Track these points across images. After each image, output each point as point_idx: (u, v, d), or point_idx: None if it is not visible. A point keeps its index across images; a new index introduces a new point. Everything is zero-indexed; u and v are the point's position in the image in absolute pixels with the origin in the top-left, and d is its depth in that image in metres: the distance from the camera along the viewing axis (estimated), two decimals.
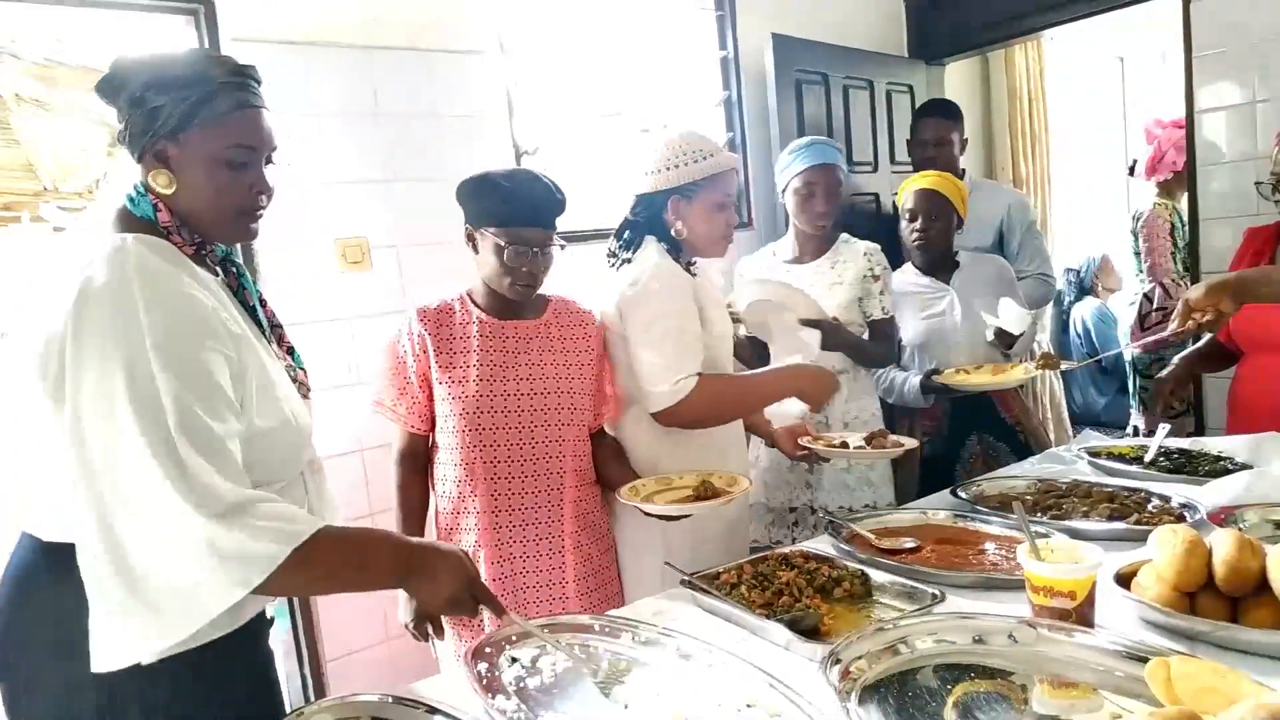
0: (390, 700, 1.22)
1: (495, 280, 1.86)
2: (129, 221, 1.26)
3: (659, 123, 3.44)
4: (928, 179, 2.75)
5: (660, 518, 1.79)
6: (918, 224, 2.74)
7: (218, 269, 1.37)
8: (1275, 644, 1.18)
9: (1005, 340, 2.61)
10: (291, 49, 2.52)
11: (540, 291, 1.94)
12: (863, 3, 4.05)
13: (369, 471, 2.68)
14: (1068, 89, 5.47)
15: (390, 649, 2.67)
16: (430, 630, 1.92)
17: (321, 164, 2.58)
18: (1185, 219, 3.63)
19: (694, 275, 2.01)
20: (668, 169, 1.95)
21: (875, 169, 3.90)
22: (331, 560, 1.20)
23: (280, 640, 2.49)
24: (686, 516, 1.77)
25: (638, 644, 1.37)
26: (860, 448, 2.05)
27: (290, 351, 1.44)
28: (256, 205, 1.31)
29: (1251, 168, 2.98)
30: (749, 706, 1.15)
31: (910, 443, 2.06)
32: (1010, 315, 2.54)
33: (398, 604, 1.94)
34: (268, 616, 1.43)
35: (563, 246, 1.88)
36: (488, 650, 1.34)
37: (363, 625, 2.64)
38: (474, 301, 1.94)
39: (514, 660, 1.33)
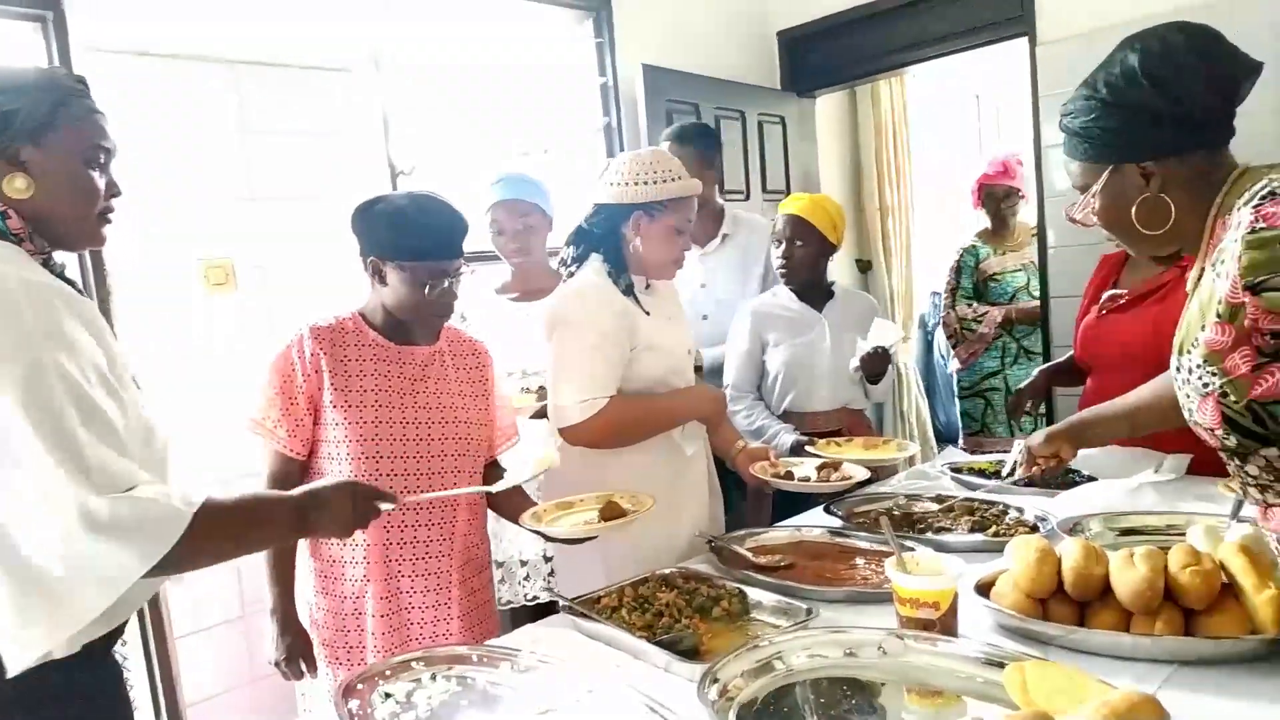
0: None
1: (408, 311, 1.80)
2: None
3: (539, 146, 3.44)
4: (798, 203, 2.73)
5: (564, 542, 1.78)
6: (781, 249, 2.72)
7: None
8: (1117, 645, 1.26)
9: (871, 369, 2.62)
10: (149, 60, 2.40)
11: None
12: (738, 36, 4.18)
13: None
14: (929, 123, 5.77)
15: (254, 692, 2.54)
16: (304, 668, 1.85)
17: (182, 181, 2.47)
18: (981, 258, 3.84)
19: (635, 296, 1.98)
20: (636, 184, 1.93)
21: (747, 197, 4.01)
22: (229, 525, 1.25)
23: (134, 682, 2.33)
24: (592, 539, 1.75)
25: (516, 672, 1.35)
26: (807, 479, 2.04)
27: None
28: (110, 208, 1.34)
29: None
30: None
31: (862, 473, 2.04)
32: (884, 331, 2.56)
33: (262, 642, 1.84)
34: (117, 657, 1.35)
35: (472, 271, 1.85)
36: (359, 687, 1.29)
37: (224, 667, 2.50)
38: (369, 323, 1.88)
39: (387, 696, 1.28)
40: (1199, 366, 1.15)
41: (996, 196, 3.86)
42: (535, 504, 1.88)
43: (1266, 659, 1.21)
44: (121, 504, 1.11)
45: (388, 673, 1.34)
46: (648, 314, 1.98)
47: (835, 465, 2.06)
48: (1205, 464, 2.05)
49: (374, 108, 2.86)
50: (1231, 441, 1.14)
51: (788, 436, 2.56)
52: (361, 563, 1.80)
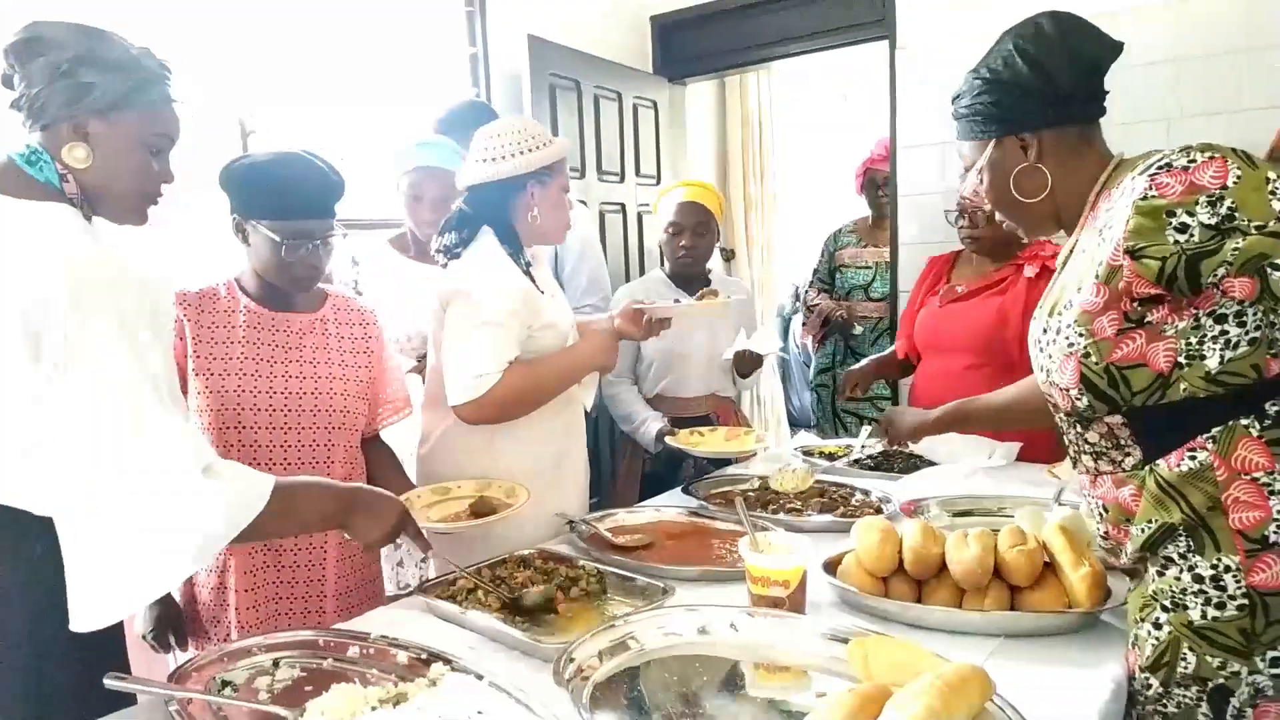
0: None
1: (272, 274, 1.72)
2: (20, 181, 1.26)
3: (401, 116, 3.32)
4: (691, 190, 2.71)
5: (435, 534, 1.73)
6: (684, 240, 2.67)
7: None
8: (950, 620, 1.34)
9: (742, 369, 2.67)
10: None
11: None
12: (614, 16, 4.16)
13: None
14: (796, 120, 5.93)
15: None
16: (172, 641, 1.74)
17: None
18: (840, 245, 3.88)
19: (528, 267, 1.93)
20: (522, 154, 1.86)
21: (622, 179, 4.01)
22: (295, 507, 1.33)
23: None
24: (459, 533, 1.72)
25: (365, 657, 1.31)
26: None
27: None
28: (159, 192, 1.39)
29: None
30: (479, 714, 1.13)
31: (724, 291, 2.36)
32: (766, 340, 2.60)
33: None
34: None
35: (345, 235, 1.77)
36: (194, 674, 1.22)
37: None
38: (243, 289, 1.77)
39: (225, 684, 1.22)
40: (1069, 327, 1.21)
41: (877, 183, 3.80)
42: (414, 486, 1.85)
43: (1080, 630, 1.32)
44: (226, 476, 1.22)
45: (224, 659, 1.27)
46: (542, 292, 1.95)
47: (714, 291, 2.34)
48: (1032, 451, 2.22)
49: (223, 62, 2.68)
50: (1083, 403, 1.21)
51: (655, 424, 2.57)
52: None
